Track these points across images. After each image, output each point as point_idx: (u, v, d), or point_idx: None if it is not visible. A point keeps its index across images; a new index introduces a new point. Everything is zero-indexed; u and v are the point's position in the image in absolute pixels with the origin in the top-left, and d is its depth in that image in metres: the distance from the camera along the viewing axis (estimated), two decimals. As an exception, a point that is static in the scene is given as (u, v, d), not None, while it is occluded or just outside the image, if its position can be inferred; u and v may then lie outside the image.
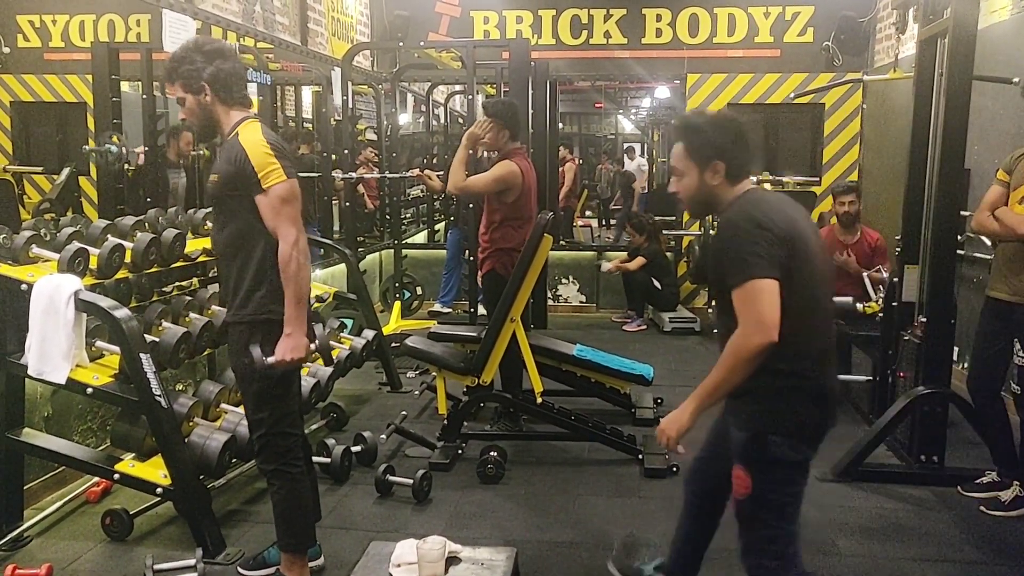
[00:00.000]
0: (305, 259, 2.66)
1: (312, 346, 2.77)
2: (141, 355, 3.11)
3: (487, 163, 6.61)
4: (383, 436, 4.24)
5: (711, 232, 7.09)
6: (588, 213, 14.11)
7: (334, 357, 4.47)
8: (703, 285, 7.88)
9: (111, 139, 4.62)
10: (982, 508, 3.66)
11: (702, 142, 2.31)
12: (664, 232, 7.79)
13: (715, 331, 2.43)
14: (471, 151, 4.48)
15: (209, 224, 4.21)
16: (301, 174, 3.26)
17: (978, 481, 3.82)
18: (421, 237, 8.72)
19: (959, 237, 4.49)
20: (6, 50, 5.94)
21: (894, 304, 4.35)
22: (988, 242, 4.69)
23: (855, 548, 3.33)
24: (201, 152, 5.09)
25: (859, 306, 4.90)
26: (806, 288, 2.21)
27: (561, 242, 8.44)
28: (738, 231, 2.19)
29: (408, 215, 9.04)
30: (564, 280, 8.26)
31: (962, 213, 4.54)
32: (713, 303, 2.49)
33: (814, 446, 2.26)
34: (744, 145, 2.34)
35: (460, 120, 10.52)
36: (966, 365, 4.79)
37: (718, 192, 2.31)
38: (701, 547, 2.66)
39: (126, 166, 4.87)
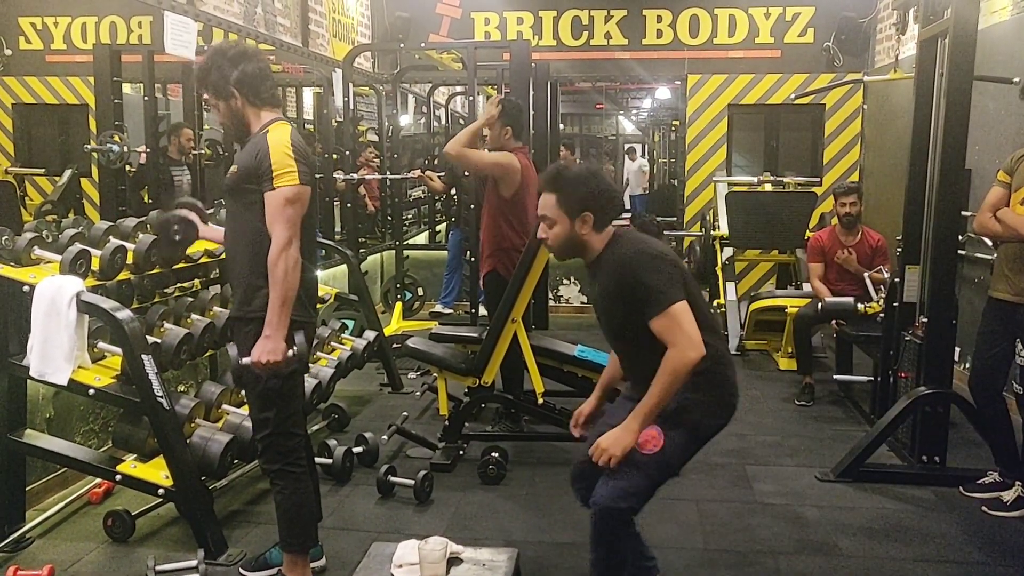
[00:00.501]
0: (295, 264, 2.62)
1: (289, 352, 2.68)
2: (143, 356, 3.11)
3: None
4: (384, 437, 4.25)
5: (711, 232, 7.11)
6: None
7: (335, 358, 4.48)
8: (704, 286, 7.88)
9: (112, 138, 4.62)
10: (984, 508, 3.66)
11: (573, 194, 2.53)
12: (665, 233, 7.79)
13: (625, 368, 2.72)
14: (481, 132, 4.45)
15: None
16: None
17: (980, 481, 3.81)
18: (422, 238, 8.72)
19: (960, 237, 4.50)
20: (8, 52, 5.95)
21: (895, 304, 4.35)
22: (990, 243, 4.69)
23: (856, 548, 3.33)
24: (203, 150, 5.10)
25: (860, 306, 4.90)
26: (698, 299, 2.53)
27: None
28: (640, 257, 2.47)
29: (409, 216, 9.04)
30: (565, 281, 8.27)
31: (963, 213, 4.55)
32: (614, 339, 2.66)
33: (726, 419, 2.61)
34: (610, 197, 2.59)
35: (461, 121, 10.52)
36: (967, 365, 4.79)
37: (587, 240, 2.56)
38: None
39: (127, 167, 4.87)
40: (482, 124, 4.36)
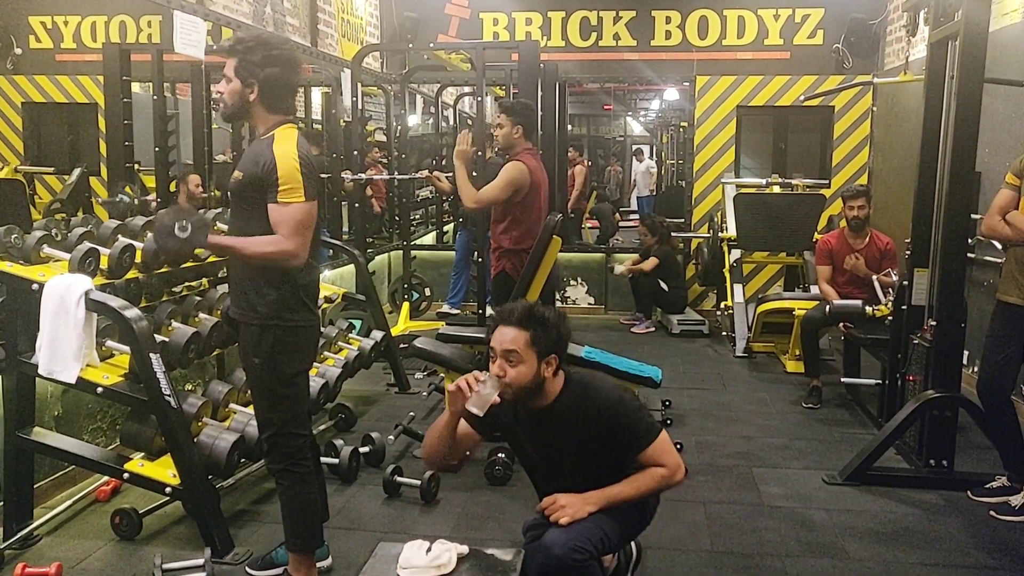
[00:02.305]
0: (283, 260, 2.61)
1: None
2: (151, 355, 3.12)
3: (493, 164, 6.64)
4: (391, 437, 4.25)
5: (719, 233, 7.09)
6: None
7: (343, 358, 4.49)
8: (712, 287, 7.87)
9: (124, 189, 4.65)
10: (992, 513, 3.64)
11: (546, 335, 2.48)
12: (672, 234, 7.79)
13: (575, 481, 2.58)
14: (469, 163, 4.45)
15: (219, 225, 4.22)
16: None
17: (988, 485, 3.80)
18: (430, 238, 8.72)
19: (969, 240, 4.48)
20: (18, 51, 5.96)
21: (904, 307, 4.33)
22: (999, 246, 4.67)
23: (864, 552, 3.32)
24: (212, 193, 5.11)
25: (868, 309, 4.88)
26: None
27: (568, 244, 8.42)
28: (623, 402, 2.53)
29: (417, 216, 9.05)
30: (572, 282, 8.26)
31: (972, 216, 4.52)
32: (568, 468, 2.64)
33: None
34: (568, 341, 2.58)
35: (469, 121, 10.53)
36: (976, 369, 4.77)
37: (547, 383, 2.52)
38: None
39: (136, 164, 4.88)
40: (461, 161, 4.33)
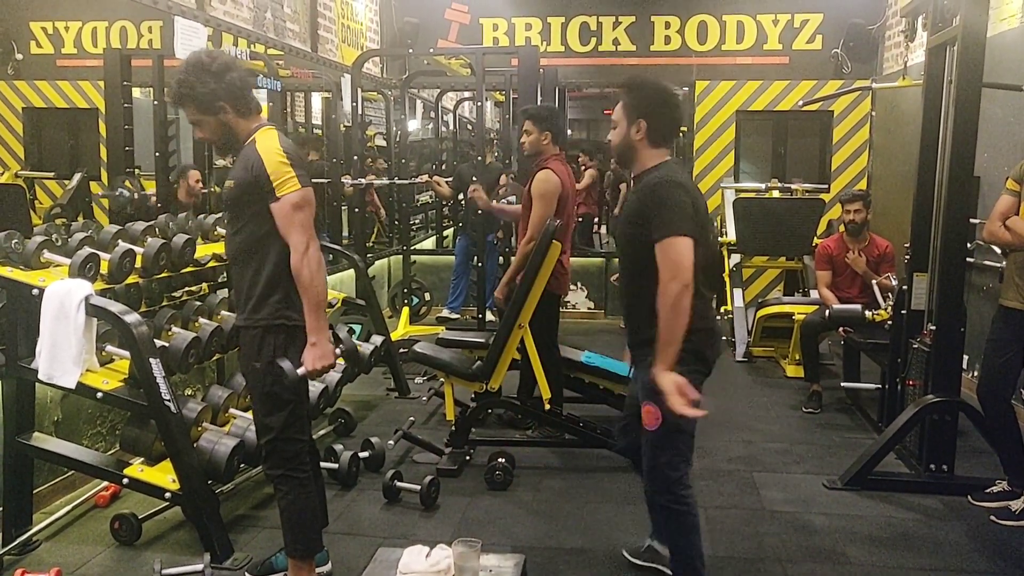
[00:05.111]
0: (318, 266, 2.66)
1: (337, 351, 2.79)
2: (151, 360, 3.12)
3: (493, 168, 6.65)
4: (391, 442, 4.24)
5: (719, 238, 7.10)
6: (596, 220, 14.05)
7: (342, 363, 4.49)
8: (712, 292, 7.86)
9: (123, 184, 4.66)
10: (992, 518, 3.64)
11: (634, 101, 2.71)
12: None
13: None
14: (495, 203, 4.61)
15: (219, 230, 4.23)
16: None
17: (988, 490, 3.80)
18: (430, 243, 8.73)
19: (968, 245, 4.48)
20: (19, 56, 5.97)
21: (903, 312, 4.34)
22: (999, 251, 4.68)
23: (864, 557, 3.32)
24: (212, 189, 5.11)
25: (868, 314, 4.88)
26: (707, 248, 2.66)
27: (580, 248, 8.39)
28: (662, 190, 2.59)
29: (417, 221, 9.05)
30: (572, 287, 8.26)
31: (971, 221, 4.53)
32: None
33: (707, 371, 2.71)
34: (670, 115, 2.73)
35: (469, 126, 10.55)
36: (976, 374, 4.77)
37: (638, 148, 2.71)
38: None
39: (137, 169, 4.88)
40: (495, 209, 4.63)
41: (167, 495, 3.18)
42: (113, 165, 4.86)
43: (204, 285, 4.25)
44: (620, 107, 2.74)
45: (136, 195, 4.66)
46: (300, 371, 2.68)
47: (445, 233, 9.01)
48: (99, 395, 3.23)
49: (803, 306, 5.88)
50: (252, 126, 2.74)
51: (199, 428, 3.38)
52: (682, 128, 9.70)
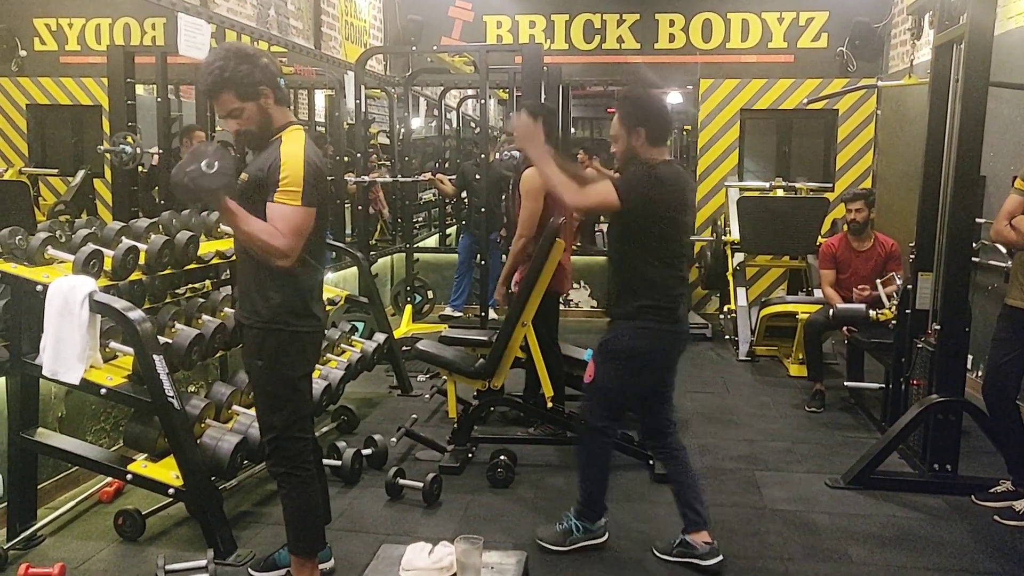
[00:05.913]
0: (262, 253, 2.56)
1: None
2: (154, 356, 3.12)
3: (499, 165, 6.64)
4: (393, 439, 4.25)
5: (722, 237, 7.10)
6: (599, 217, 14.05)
7: (345, 360, 4.49)
8: (715, 291, 7.86)
9: (125, 139, 4.64)
10: (996, 518, 3.63)
11: (629, 112, 3.03)
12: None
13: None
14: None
15: (223, 227, 4.23)
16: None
17: (992, 490, 3.79)
18: (433, 241, 8.73)
19: (974, 244, 4.47)
20: (23, 53, 5.99)
21: (908, 311, 4.33)
22: (1004, 250, 4.66)
23: (867, 556, 3.31)
24: None
25: (872, 313, 4.87)
26: (665, 228, 3.01)
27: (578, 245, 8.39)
28: (629, 170, 3.03)
29: (420, 219, 9.06)
30: (575, 285, 8.25)
31: (977, 220, 4.52)
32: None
33: (666, 344, 3.15)
34: (662, 117, 3.08)
35: (472, 124, 10.54)
36: (980, 373, 4.76)
37: (641, 153, 3.02)
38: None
39: (140, 167, 4.89)
40: (529, 147, 3.66)
41: (171, 491, 3.19)
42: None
43: (207, 282, 4.25)
44: (617, 121, 3.04)
45: (139, 151, 4.63)
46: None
47: (448, 231, 9.01)
48: (103, 391, 3.23)
49: (807, 305, 5.87)
50: (286, 119, 2.70)
51: (202, 424, 3.39)
52: (685, 127, 9.76)
